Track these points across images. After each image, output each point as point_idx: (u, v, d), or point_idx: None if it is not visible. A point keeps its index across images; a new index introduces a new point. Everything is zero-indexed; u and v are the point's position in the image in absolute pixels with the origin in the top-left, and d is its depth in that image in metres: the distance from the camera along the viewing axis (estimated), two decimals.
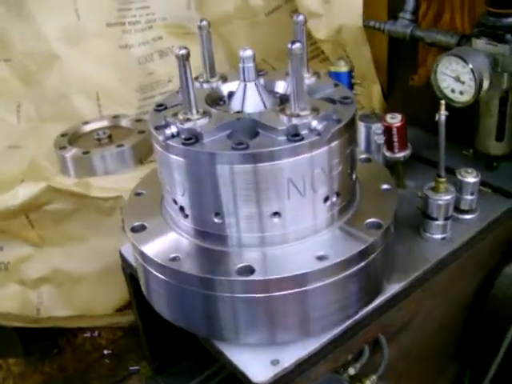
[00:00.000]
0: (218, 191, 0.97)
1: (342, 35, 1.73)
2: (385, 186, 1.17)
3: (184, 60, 0.93)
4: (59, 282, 1.81)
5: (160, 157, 1.04)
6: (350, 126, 1.02)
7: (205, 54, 1.12)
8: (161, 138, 0.98)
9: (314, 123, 0.94)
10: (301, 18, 1.07)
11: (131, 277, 1.34)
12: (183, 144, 0.96)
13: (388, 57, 1.72)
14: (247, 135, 0.98)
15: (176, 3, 1.91)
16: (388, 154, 1.36)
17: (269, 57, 1.93)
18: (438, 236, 1.26)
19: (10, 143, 1.88)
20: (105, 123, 1.87)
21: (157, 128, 1.02)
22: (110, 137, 1.79)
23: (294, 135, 0.94)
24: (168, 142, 0.97)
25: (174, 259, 1.03)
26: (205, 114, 0.99)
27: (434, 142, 1.21)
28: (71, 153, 1.71)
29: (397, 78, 1.74)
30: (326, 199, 1.02)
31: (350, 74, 1.52)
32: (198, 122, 0.97)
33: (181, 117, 0.99)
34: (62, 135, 1.81)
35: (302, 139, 0.94)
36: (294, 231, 1.02)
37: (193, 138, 0.96)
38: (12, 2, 1.82)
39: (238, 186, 0.96)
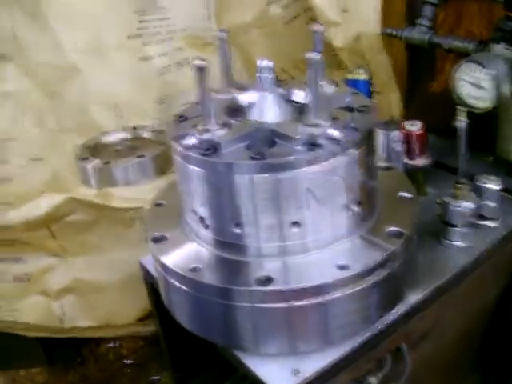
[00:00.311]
0: (236, 201, 0.97)
1: (360, 43, 1.73)
2: (405, 194, 1.17)
3: (202, 72, 0.94)
4: (81, 292, 1.82)
5: (179, 167, 1.05)
6: (369, 135, 1.02)
7: (224, 64, 1.13)
8: (180, 148, 0.99)
9: (333, 132, 0.95)
10: (318, 27, 1.08)
11: (152, 287, 1.34)
12: (202, 155, 0.96)
13: (407, 64, 1.72)
14: (266, 145, 0.98)
15: (196, 14, 1.91)
16: (408, 161, 1.35)
17: (288, 66, 1.93)
18: (459, 243, 1.25)
19: (31, 155, 1.90)
20: (125, 134, 1.88)
21: (176, 139, 1.03)
22: (130, 148, 1.80)
23: (312, 144, 0.94)
24: (187, 152, 0.98)
25: (194, 269, 1.03)
26: (224, 124, 1.00)
27: (454, 148, 1.20)
28: (92, 164, 1.72)
29: (416, 85, 1.73)
30: (346, 208, 1.02)
31: (368, 82, 1.52)
32: (217, 133, 0.98)
33: (200, 128, 0.99)
34: (83, 146, 1.82)
35: (321, 148, 0.94)
36: (314, 240, 1.02)
37: (211, 148, 0.96)
38: (33, 15, 1.83)
39: (256, 196, 0.96)
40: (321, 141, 0.95)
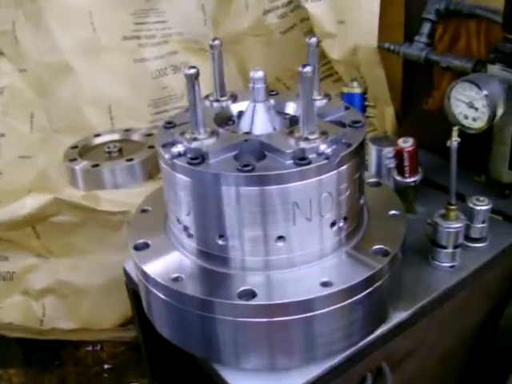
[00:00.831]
0: (222, 212, 0.96)
1: (356, 56, 1.72)
2: (393, 212, 1.15)
3: (193, 79, 0.92)
4: (63, 293, 1.79)
5: (166, 175, 1.03)
6: (359, 151, 1.01)
7: (215, 73, 1.11)
8: (167, 156, 0.97)
9: (323, 147, 0.93)
10: (313, 40, 1.06)
11: (134, 293, 1.32)
12: (189, 163, 0.95)
13: (403, 79, 1.70)
14: (254, 157, 0.96)
15: (192, 19, 1.91)
16: (398, 178, 1.34)
17: (283, 76, 1.92)
18: (447, 264, 1.23)
19: (21, 153, 1.89)
20: (116, 136, 1.86)
21: (164, 146, 1.01)
22: (120, 150, 1.78)
23: (301, 159, 0.92)
24: (174, 160, 0.96)
25: (175, 279, 1.01)
26: (212, 133, 0.98)
27: (446, 166, 1.19)
28: (81, 165, 1.70)
29: (411, 100, 1.72)
30: (333, 224, 1.01)
31: (363, 95, 1.50)
32: (205, 142, 0.96)
33: (188, 136, 0.98)
34: (73, 147, 1.80)
35: (310, 163, 0.92)
36: (299, 256, 1.00)
37: (199, 157, 0.95)
38: (30, 13, 1.83)
39: (242, 209, 0.94)
40: (310, 155, 0.93)
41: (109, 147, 1.78)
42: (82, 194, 1.66)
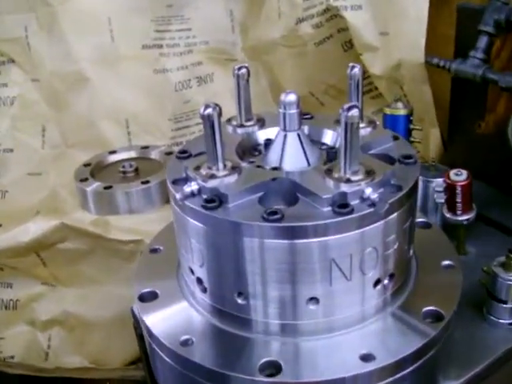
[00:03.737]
0: (242, 267, 0.79)
1: (400, 72, 1.55)
2: (447, 262, 0.97)
3: (211, 120, 0.77)
4: (70, 325, 1.66)
5: (176, 217, 0.86)
6: (411, 193, 0.83)
7: (241, 98, 0.95)
8: (178, 196, 0.80)
9: (368, 191, 0.76)
10: (356, 70, 0.89)
11: (142, 337, 1.16)
12: (203, 207, 0.78)
13: (451, 99, 1.53)
14: (283, 200, 0.80)
15: (219, 26, 1.79)
16: (449, 215, 1.17)
17: (317, 90, 1.76)
18: (506, 321, 1.05)
19: (30, 170, 1.77)
20: (132, 154, 1.72)
21: (175, 182, 0.85)
22: (136, 170, 1.64)
23: (342, 206, 0.75)
24: (185, 202, 0.80)
25: (185, 343, 0.85)
26: (233, 169, 0.81)
27: (499, 198, 1.02)
28: (92, 187, 1.55)
29: (460, 123, 1.54)
30: (377, 283, 0.83)
31: (408, 117, 1.34)
32: (225, 180, 0.80)
33: (204, 172, 0.81)
34: (85, 165, 1.66)
35: (352, 211, 0.75)
36: (335, 320, 0.83)
37: (216, 200, 0.78)
38: (44, 18, 1.72)
39: (267, 264, 0.77)
40: (353, 201, 0.76)
41: (124, 166, 1.64)
42: (91, 219, 1.52)
